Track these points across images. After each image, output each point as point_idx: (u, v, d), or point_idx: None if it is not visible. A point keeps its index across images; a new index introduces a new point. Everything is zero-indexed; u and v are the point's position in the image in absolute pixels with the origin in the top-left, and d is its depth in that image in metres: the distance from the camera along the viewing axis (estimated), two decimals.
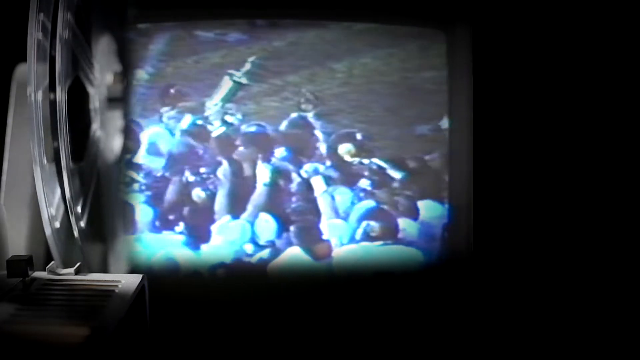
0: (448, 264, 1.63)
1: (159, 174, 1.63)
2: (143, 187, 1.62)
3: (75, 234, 1.23)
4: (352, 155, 1.64)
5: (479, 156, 1.60)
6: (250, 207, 1.63)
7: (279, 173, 1.64)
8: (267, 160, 1.64)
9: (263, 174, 1.63)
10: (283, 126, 1.63)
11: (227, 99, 1.62)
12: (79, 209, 1.26)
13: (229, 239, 1.62)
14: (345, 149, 1.64)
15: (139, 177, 1.61)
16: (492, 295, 1.59)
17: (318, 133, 1.63)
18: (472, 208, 1.61)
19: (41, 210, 1.16)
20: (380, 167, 1.64)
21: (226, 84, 1.62)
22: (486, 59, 1.58)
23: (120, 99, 1.55)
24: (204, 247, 1.62)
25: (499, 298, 1.59)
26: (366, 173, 1.64)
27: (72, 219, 1.22)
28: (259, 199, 1.63)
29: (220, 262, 1.62)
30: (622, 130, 1.59)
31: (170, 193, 1.63)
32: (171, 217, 1.62)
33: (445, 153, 1.63)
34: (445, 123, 1.63)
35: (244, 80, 1.62)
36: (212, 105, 1.62)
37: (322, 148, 1.65)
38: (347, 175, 1.64)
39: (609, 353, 1.52)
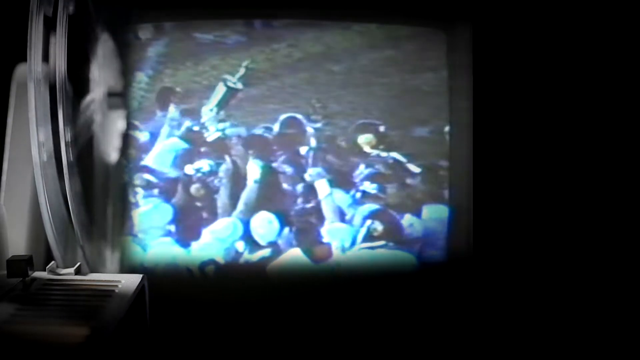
0: (448, 264, 1.63)
1: (158, 174, 1.63)
2: (143, 188, 1.62)
3: (64, 161, 1.18)
4: (372, 146, 1.64)
5: (479, 157, 1.60)
6: (250, 207, 1.63)
7: (279, 174, 1.64)
8: (267, 161, 1.64)
9: (261, 174, 1.64)
10: (283, 128, 1.63)
11: (222, 103, 1.62)
12: (69, 137, 1.19)
13: (230, 239, 1.62)
14: (365, 139, 1.64)
15: (139, 177, 1.61)
16: (492, 295, 1.59)
17: (316, 135, 1.63)
18: (472, 209, 1.61)
19: (30, 128, 1.11)
20: (384, 166, 1.64)
21: (221, 89, 1.62)
22: (486, 58, 1.58)
23: (119, 94, 1.54)
24: (205, 247, 1.62)
25: (499, 299, 1.59)
26: (367, 173, 1.65)
27: (62, 145, 1.16)
28: (259, 200, 1.63)
29: (221, 263, 1.62)
30: (622, 132, 1.59)
31: (170, 193, 1.63)
32: (171, 217, 1.62)
33: (445, 154, 1.63)
34: (445, 125, 1.63)
35: (239, 85, 1.62)
36: (208, 109, 1.62)
37: (324, 150, 1.65)
38: (348, 177, 1.65)
39: (608, 353, 1.52)
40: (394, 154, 1.64)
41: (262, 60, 1.63)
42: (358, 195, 1.64)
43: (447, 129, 1.63)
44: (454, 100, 1.62)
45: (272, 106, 1.63)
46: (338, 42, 1.63)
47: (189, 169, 1.62)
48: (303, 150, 1.64)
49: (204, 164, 1.62)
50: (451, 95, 1.62)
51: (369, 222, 1.64)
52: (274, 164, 1.64)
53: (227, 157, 1.62)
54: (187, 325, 1.55)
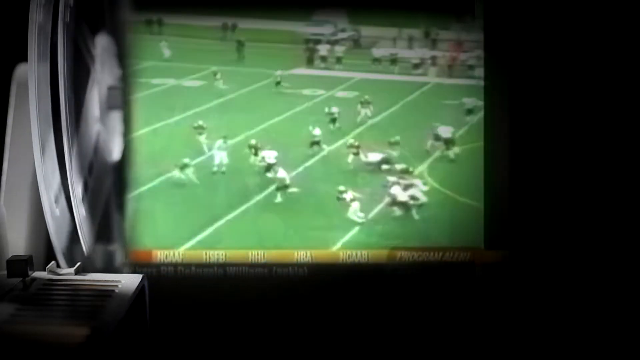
0: (452, 265, 1.63)
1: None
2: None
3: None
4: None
5: (490, 157, 1.61)
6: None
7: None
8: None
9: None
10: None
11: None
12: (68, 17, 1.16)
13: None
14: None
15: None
16: (494, 296, 1.59)
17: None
18: (477, 209, 1.61)
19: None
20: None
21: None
22: (497, 59, 1.58)
23: (119, 88, 1.54)
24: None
25: (502, 299, 1.59)
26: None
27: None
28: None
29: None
30: (625, 134, 1.59)
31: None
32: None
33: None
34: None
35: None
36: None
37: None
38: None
39: (609, 353, 1.52)
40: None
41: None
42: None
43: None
44: (465, 102, 1.63)
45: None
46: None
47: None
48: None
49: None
50: (462, 95, 1.63)
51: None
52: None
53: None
54: (187, 325, 1.55)
